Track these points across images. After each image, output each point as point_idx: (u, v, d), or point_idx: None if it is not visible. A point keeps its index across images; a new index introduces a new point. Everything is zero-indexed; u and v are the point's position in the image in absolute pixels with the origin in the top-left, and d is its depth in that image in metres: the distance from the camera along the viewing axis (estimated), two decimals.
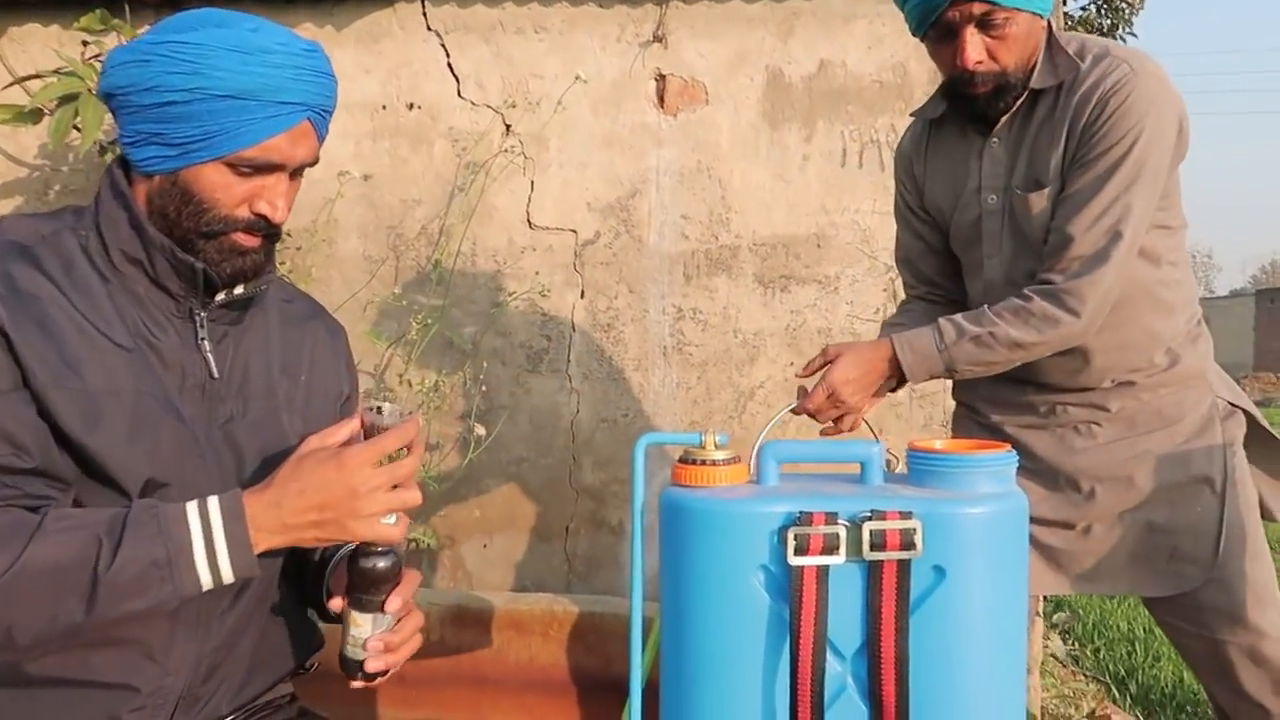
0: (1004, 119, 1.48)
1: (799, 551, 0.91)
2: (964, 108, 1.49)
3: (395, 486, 0.95)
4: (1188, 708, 2.65)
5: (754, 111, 2.50)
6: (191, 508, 0.93)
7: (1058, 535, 1.54)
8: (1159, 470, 1.50)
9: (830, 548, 0.92)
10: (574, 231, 2.54)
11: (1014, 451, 1.01)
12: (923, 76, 2.42)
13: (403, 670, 2.27)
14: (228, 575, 0.92)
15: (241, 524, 0.92)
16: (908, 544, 0.91)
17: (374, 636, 1.01)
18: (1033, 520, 1.54)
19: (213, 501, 0.93)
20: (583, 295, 2.55)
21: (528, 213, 2.55)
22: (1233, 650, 1.52)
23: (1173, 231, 1.49)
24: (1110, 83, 1.39)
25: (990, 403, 1.62)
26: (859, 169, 2.47)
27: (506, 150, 2.53)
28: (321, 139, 1.05)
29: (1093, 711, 2.56)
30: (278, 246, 1.08)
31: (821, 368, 1.50)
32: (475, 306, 2.57)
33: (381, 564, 0.97)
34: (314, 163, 1.05)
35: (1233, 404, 1.57)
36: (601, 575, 2.54)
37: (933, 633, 0.92)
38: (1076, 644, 3.21)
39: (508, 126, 2.55)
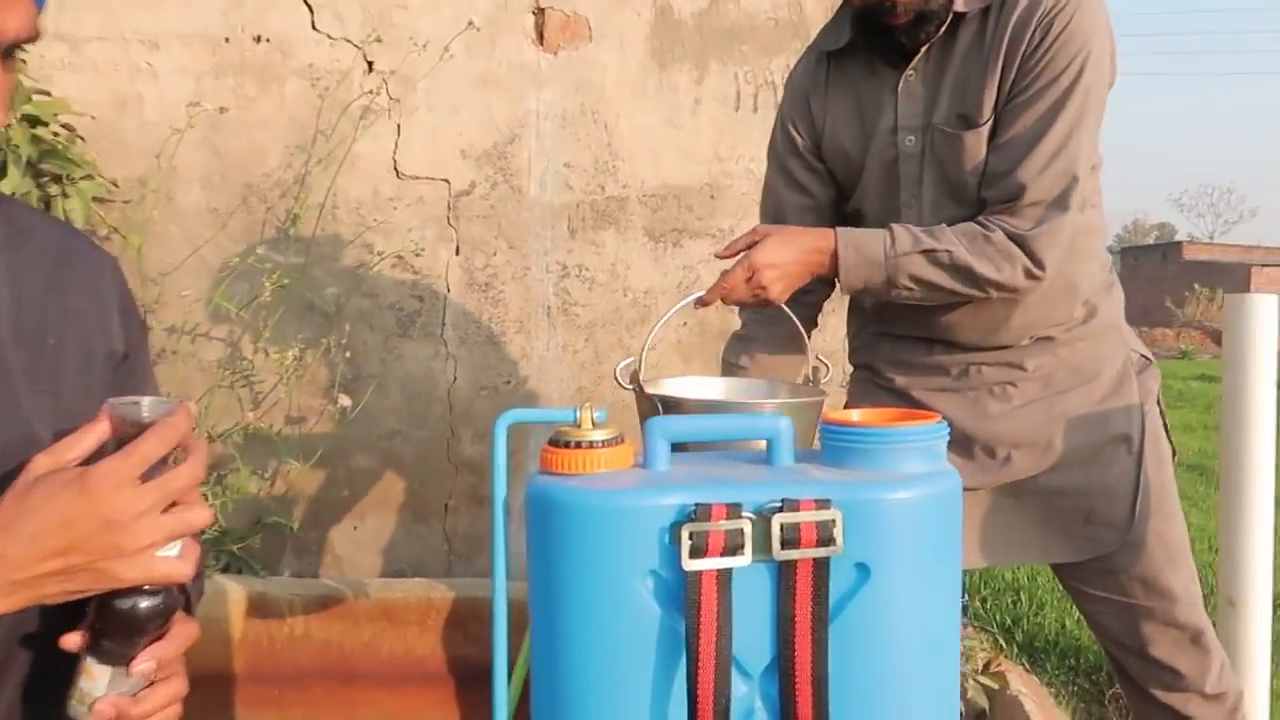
0: (921, 50, 1.33)
1: (696, 553, 0.75)
2: (879, 40, 1.33)
3: (170, 505, 0.69)
4: (1070, 655, 2.68)
5: (641, 50, 2.30)
6: None
7: (969, 504, 1.42)
8: (1077, 431, 1.40)
9: (733, 547, 0.75)
10: (446, 181, 2.31)
11: (945, 421, 0.87)
12: (819, 14, 2.27)
13: (263, 668, 2.08)
14: None
15: None
16: (826, 539, 0.75)
17: (106, 698, 0.73)
18: None
19: None
20: (458, 251, 2.33)
21: (395, 161, 2.31)
22: (1143, 615, 1.45)
23: (1095, 170, 1.38)
24: (1050, 2, 1.24)
25: (895, 365, 1.49)
26: (753, 113, 2.31)
27: (369, 91, 2.27)
28: (40, 4, 0.75)
29: (987, 665, 2.53)
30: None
31: (747, 248, 1.31)
32: (338, 265, 2.32)
33: (143, 605, 0.71)
34: (32, 38, 0.74)
35: (1145, 356, 1.49)
36: (485, 556, 2.35)
37: (855, 643, 0.77)
38: (965, 594, 3.22)
39: (370, 64, 2.29)
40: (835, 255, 1.28)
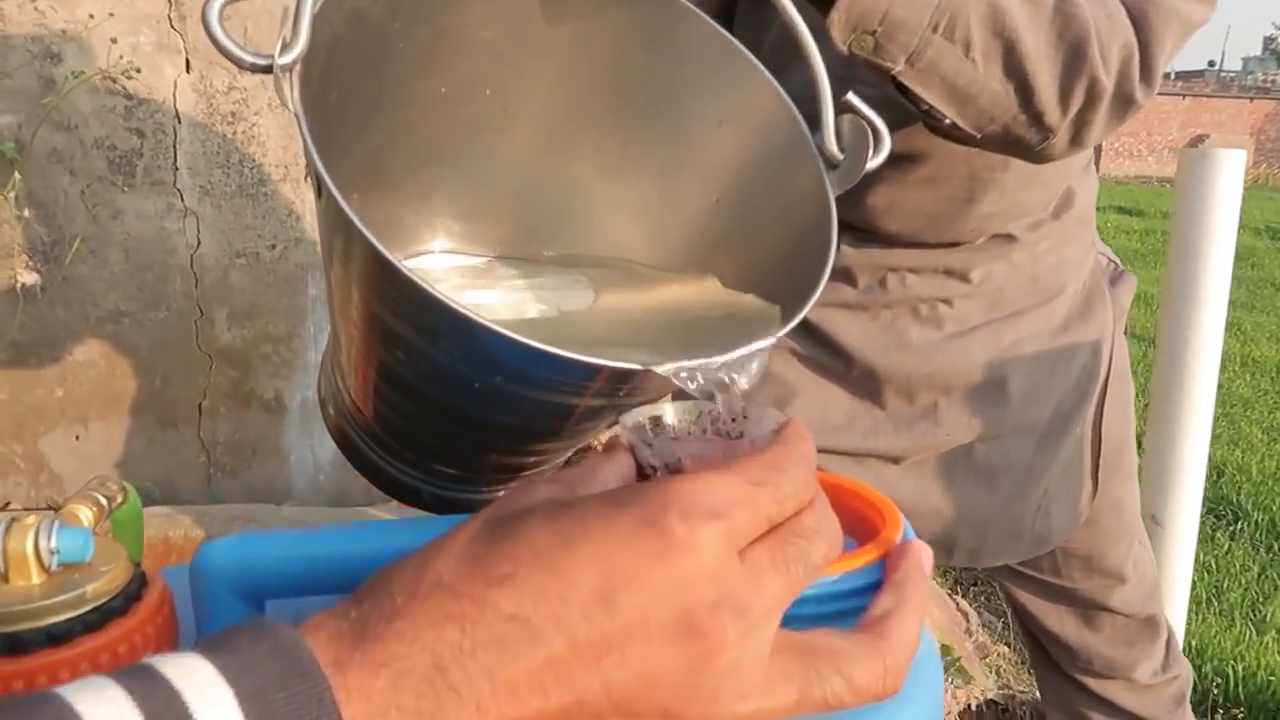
0: None
1: None
2: None
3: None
4: None
5: None
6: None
7: (873, 474, 0.99)
8: (1031, 374, 0.96)
9: None
10: None
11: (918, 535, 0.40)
12: None
13: None
14: None
15: None
16: None
17: None
18: (835, 452, 1.00)
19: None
20: (188, 68, 1.68)
21: None
22: (1079, 599, 1.12)
23: None
24: None
25: None
26: None
27: None
28: None
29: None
30: None
31: None
32: (13, 84, 1.64)
33: None
34: None
35: (1114, 260, 1.06)
36: (253, 468, 1.85)
37: None
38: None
39: None
40: None
